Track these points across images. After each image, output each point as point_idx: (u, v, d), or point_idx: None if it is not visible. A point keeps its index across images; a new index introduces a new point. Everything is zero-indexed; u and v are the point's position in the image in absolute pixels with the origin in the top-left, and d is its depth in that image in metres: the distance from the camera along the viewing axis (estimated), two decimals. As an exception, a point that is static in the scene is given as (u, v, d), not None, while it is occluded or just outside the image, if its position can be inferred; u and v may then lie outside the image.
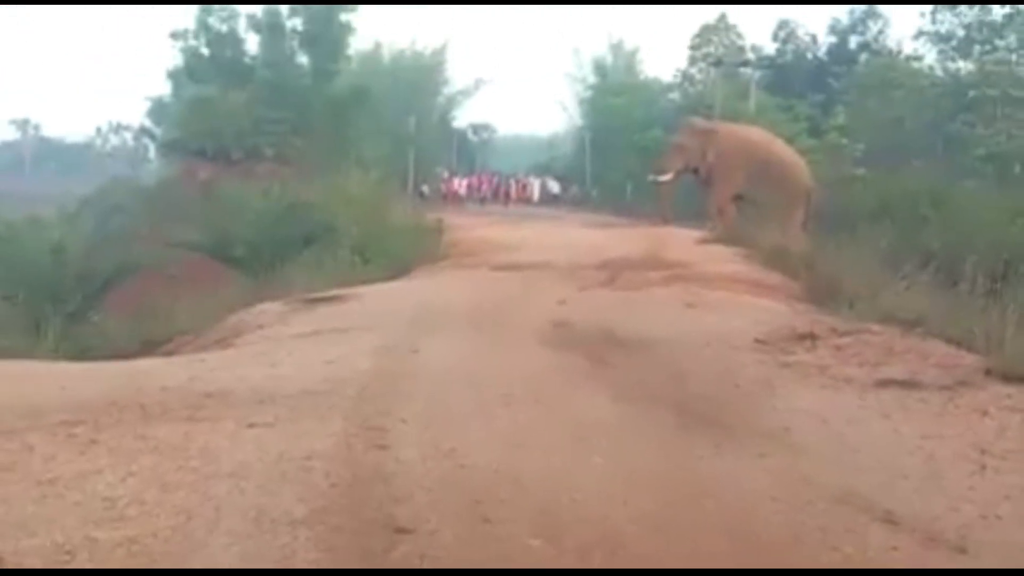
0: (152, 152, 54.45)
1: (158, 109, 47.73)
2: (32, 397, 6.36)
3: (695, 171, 26.68)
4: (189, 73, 37.49)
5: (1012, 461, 5.38)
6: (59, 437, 5.41)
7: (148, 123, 51.05)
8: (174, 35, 37.08)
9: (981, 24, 38.01)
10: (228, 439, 5.44)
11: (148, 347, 11.88)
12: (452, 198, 42.59)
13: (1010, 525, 4.50)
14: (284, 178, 26.77)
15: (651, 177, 28.33)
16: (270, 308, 12.34)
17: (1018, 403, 6.46)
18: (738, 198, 25.61)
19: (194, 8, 37.09)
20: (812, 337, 8.66)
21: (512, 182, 47.78)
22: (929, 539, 4.32)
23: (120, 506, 4.35)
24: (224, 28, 37.06)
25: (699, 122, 28.68)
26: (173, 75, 39.87)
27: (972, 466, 5.32)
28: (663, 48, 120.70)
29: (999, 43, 37.72)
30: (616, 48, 50.92)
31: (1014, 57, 37.20)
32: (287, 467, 4.93)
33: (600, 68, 50.15)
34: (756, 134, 27.89)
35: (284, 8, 36.75)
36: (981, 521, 4.54)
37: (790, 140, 30.64)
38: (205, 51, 37.00)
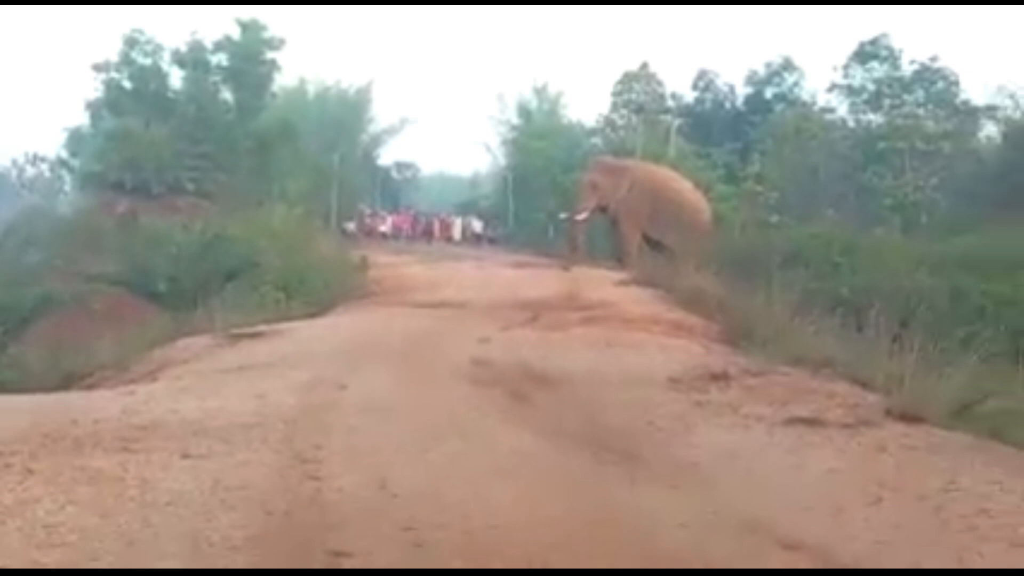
0: (69, 184, 53.46)
1: (75, 140, 46.96)
2: (-37, 428, 6.43)
3: (603, 209, 27.02)
4: (110, 105, 37.01)
5: (906, 495, 5.77)
6: (-5, 467, 5.53)
7: (65, 154, 50.22)
8: (96, 67, 36.68)
9: (891, 80, 39.50)
10: (164, 469, 5.61)
11: (69, 381, 11.85)
12: (375, 235, 42.65)
13: (901, 551, 4.88)
14: (206, 213, 26.67)
15: (563, 215, 28.76)
16: (194, 343, 12.43)
17: (914, 441, 6.90)
18: (644, 237, 26.29)
19: (117, 41, 36.81)
20: (725, 377, 9.06)
21: (435, 220, 47.99)
22: (827, 563, 4.67)
23: (62, 532, 4.52)
24: (148, 61, 36.81)
25: (610, 160, 29.30)
26: (92, 106, 39.31)
27: (870, 499, 5.69)
28: (586, 93, 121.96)
29: (907, 98, 39.24)
30: (540, 92, 51.55)
31: (921, 112, 38.67)
32: (224, 496, 5.13)
33: (524, 111, 50.74)
34: (663, 173, 28.72)
35: (208, 43, 36.63)
36: (875, 547, 4.91)
37: (707, 187, 31.46)
38: (127, 84, 36.65)
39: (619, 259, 25.95)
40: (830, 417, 7.54)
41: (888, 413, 7.59)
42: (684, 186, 28.32)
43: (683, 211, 26.47)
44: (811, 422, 7.39)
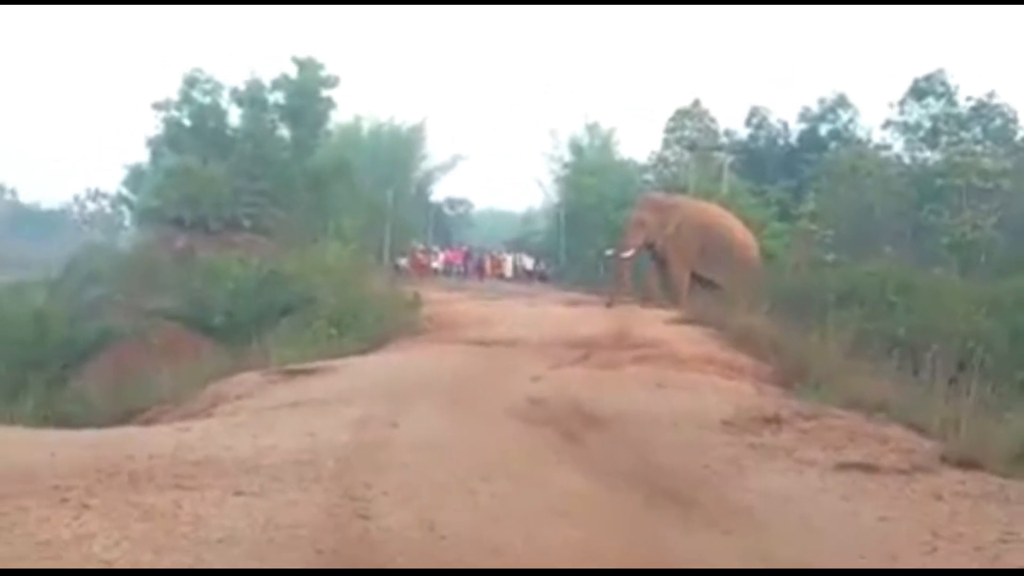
0: (128, 220, 54.42)
1: (135, 177, 47.84)
2: (23, 462, 6.55)
3: (651, 247, 26.84)
4: (170, 142, 37.76)
5: (961, 544, 5.67)
6: (52, 501, 5.62)
7: (125, 191, 51.16)
8: (157, 105, 37.51)
9: (947, 116, 39.11)
10: (216, 506, 5.66)
11: (128, 415, 12.04)
12: (427, 271, 42.91)
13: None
14: (262, 248, 27.01)
15: (609, 251, 28.69)
16: (249, 379, 12.54)
17: (970, 489, 6.78)
18: (693, 275, 26.14)
19: (177, 80, 37.57)
20: (778, 420, 8.97)
21: (487, 257, 48.20)
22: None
23: (117, 567, 4.57)
24: (207, 100, 37.52)
25: (659, 197, 29.23)
26: (152, 143, 40.10)
27: (925, 548, 5.60)
28: (639, 130, 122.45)
29: (964, 135, 38.80)
30: (592, 129, 51.68)
31: (979, 148, 38.16)
32: (274, 534, 5.17)
33: (576, 147, 50.87)
34: (712, 210, 28.59)
35: (266, 82, 37.28)
36: (930, 597, 4.83)
37: (761, 224, 31.27)
38: (187, 122, 37.37)
39: (670, 297, 25.83)
40: (884, 463, 7.44)
41: (944, 459, 7.47)
42: (733, 223, 28.17)
43: (732, 248, 26.34)
44: (865, 468, 7.29)
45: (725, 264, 25.35)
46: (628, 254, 26.92)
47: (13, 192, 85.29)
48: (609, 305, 24.70)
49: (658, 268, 27.24)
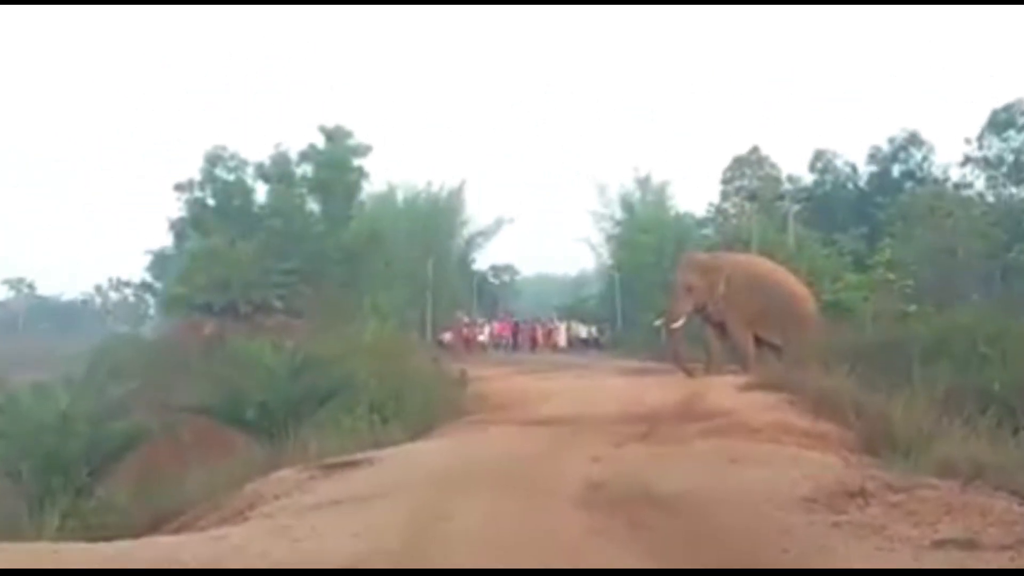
0: (153, 307, 55.36)
1: (159, 262, 48.85)
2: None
3: (700, 311, 26.78)
4: (194, 224, 38.56)
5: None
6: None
7: (148, 277, 52.16)
8: (179, 187, 38.34)
9: (1031, 149, 38.88)
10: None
11: (159, 521, 12.10)
12: (473, 345, 43.03)
13: None
14: (296, 331, 27.25)
15: (658, 322, 28.66)
16: (286, 475, 12.58)
17: (1083, 562, 6.63)
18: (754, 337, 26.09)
19: (200, 160, 38.34)
20: (864, 494, 8.84)
21: (537, 327, 48.28)
22: None
23: None
24: (232, 177, 38.26)
25: (702, 257, 29.20)
26: (175, 226, 40.92)
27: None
28: (694, 182, 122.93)
29: (1053, 168, 38.50)
30: (643, 182, 51.98)
31: (1069, 181, 37.82)
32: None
33: (627, 203, 51.15)
34: (762, 265, 28.66)
35: (293, 154, 37.96)
36: None
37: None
38: (211, 201, 38.13)
39: (737, 362, 25.76)
40: (985, 538, 7.28)
41: (1052, 531, 7.31)
42: (786, 277, 28.15)
43: (791, 304, 26.32)
44: (963, 544, 7.15)
45: (784, 321, 25.40)
46: (678, 324, 26.79)
47: (31, 285, 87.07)
48: (690, 374, 24.83)
49: (716, 333, 27.12)
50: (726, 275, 26.48)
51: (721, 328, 26.77)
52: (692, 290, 26.52)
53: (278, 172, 37.32)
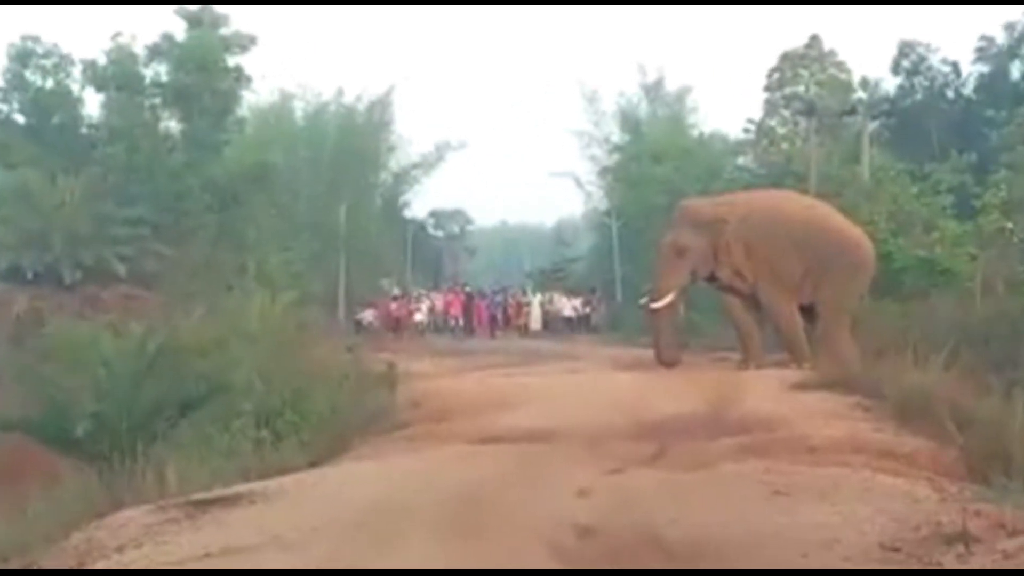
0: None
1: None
2: None
3: (711, 279, 27.05)
4: (-3, 152, 37.94)
5: None
6: None
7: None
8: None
9: None
10: None
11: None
12: (407, 327, 42.95)
13: None
14: (146, 308, 27.04)
15: (643, 301, 28.83)
16: (133, 517, 12.51)
17: None
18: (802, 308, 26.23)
19: (1, 59, 37.72)
20: (967, 539, 8.92)
21: (495, 300, 48.21)
22: None
23: None
24: (49, 83, 37.69)
25: (697, 205, 28.85)
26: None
27: None
28: (726, 88, 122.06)
29: None
30: (653, 90, 51.63)
31: None
32: None
33: (630, 120, 50.95)
34: (791, 202, 28.97)
35: (140, 49, 37.43)
36: None
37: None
38: (19, 118, 37.57)
39: (785, 348, 25.89)
40: None
41: None
42: (829, 214, 28.32)
43: (843, 253, 26.39)
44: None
45: (830, 276, 25.64)
46: (663, 303, 26.79)
47: None
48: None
49: (746, 306, 27.15)
50: (737, 223, 26.38)
51: (753, 301, 26.83)
52: (685, 254, 26.53)
53: (118, 75, 36.69)
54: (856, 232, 27.72)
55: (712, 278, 26.89)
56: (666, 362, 26.05)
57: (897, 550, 8.88)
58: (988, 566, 8.32)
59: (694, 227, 26.63)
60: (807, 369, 22.81)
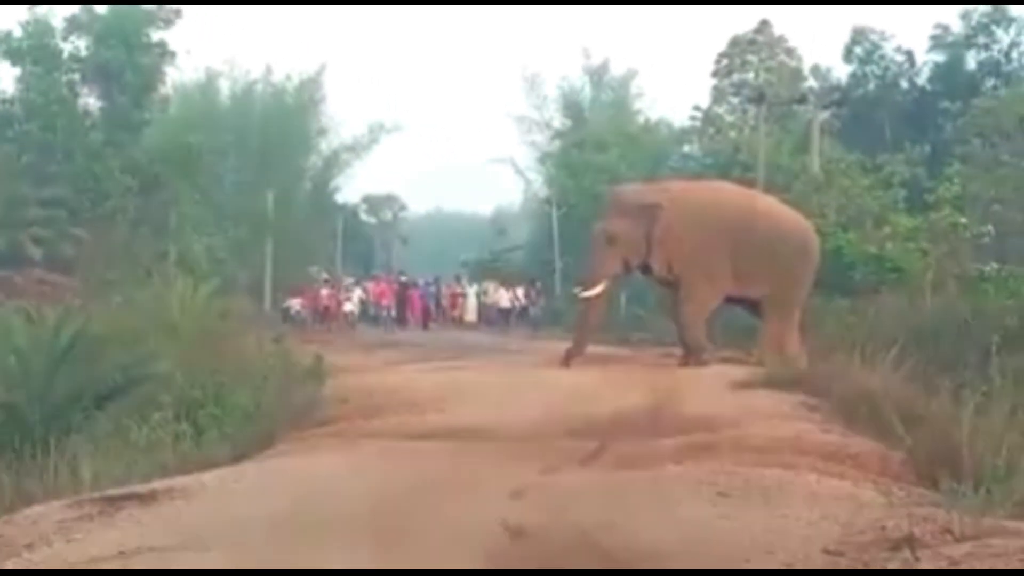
0: None
1: None
2: None
3: (644, 269, 27.07)
4: (-103, 129, 37.66)
5: None
6: None
7: None
8: None
9: None
10: None
11: None
12: (336, 317, 42.90)
13: None
14: (61, 294, 26.85)
15: (577, 289, 28.75)
16: (43, 513, 12.42)
17: None
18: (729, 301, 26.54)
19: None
20: (914, 543, 8.97)
21: (425, 289, 48.22)
22: None
23: None
24: (-45, 53, 37.42)
25: (629, 190, 29.22)
26: None
27: None
28: (672, 74, 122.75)
29: None
30: (597, 74, 51.75)
31: None
32: None
33: (572, 106, 51.08)
34: (727, 193, 28.91)
35: (58, 21, 37.20)
36: None
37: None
38: (-74, 93, 37.31)
39: (683, 338, 26.27)
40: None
41: None
42: (770, 202, 28.61)
43: (783, 240, 26.60)
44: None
45: (769, 268, 25.75)
46: (594, 292, 26.84)
47: None
48: (578, 351, 25.71)
49: (668, 298, 27.57)
50: (669, 209, 26.25)
51: (676, 292, 26.93)
52: (616, 241, 26.47)
53: (34, 48, 36.42)
54: (799, 222, 28.02)
55: (647, 269, 26.89)
56: (570, 355, 26.10)
57: (841, 555, 8.92)
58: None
59: (626, 214, 26.61)
60: (753, 365, 22.91)
